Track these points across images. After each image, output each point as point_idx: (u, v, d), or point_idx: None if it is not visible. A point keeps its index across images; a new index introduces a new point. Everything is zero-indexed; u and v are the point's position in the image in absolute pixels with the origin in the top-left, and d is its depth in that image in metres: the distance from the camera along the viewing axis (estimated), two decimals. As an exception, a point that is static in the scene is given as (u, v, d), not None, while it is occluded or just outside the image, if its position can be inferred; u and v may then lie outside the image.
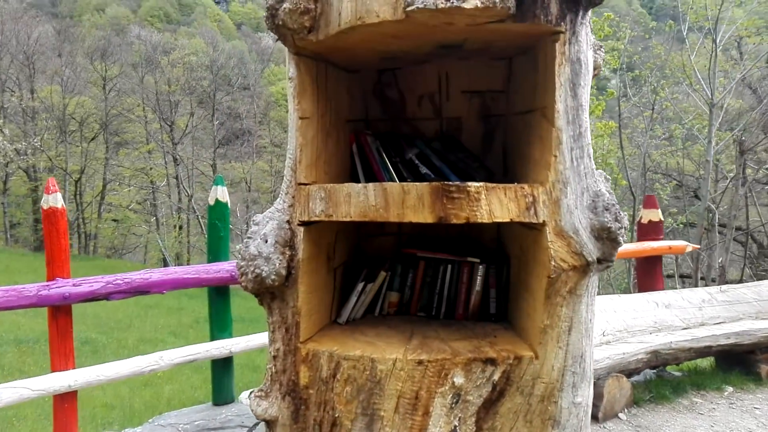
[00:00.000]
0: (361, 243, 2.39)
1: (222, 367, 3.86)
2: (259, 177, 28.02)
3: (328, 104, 1.98)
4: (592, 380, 1.96)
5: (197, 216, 23.96)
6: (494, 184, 1.66)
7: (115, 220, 27.84)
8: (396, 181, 2.05)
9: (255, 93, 30.71)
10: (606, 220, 1.80)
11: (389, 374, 1.74)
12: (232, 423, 3.67)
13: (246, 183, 27.27)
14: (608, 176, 1.95)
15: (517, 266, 2.03)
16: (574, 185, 1.78)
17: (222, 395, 3.89)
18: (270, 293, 1.88)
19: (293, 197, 1.84)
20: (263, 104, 31.05)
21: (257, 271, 1.80)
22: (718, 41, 12.12)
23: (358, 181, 2.13)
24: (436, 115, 2.30)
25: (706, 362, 5.21)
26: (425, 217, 1.63)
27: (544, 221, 1.71)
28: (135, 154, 27.62)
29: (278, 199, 1.90)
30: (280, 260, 1.79)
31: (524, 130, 2.00)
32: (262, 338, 3.95)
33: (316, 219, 1.77)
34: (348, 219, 1.70)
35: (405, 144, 2.16)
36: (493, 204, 1.65)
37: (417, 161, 2.11)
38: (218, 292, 3.79)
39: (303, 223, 1.82)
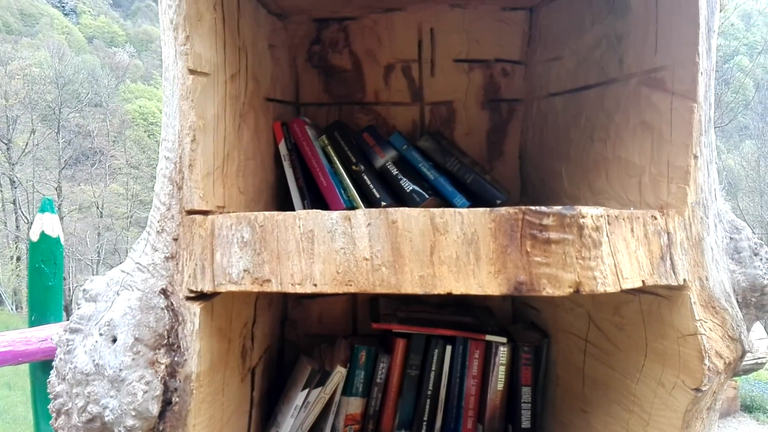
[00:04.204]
0: (288, 311, 1.44)
1: (52, 476, 2.63)
2: (113, 201, 25.42)
3: (242, 57, 1.03)
4: None
5: (38, 246, 20.98)
6: (616, 211, 0.81)
7: (-60, 251, 23.90)
8: (360, 206, 1.15)
9: (108, 110, 27.99)
10: (759, 273, 1.01)
11: None
12: None
13: (97, 207, 24.59)
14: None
15: (578, 352, 1.18)
16: (713, 211, 0.98)
17: None
18: (124, 443, 0.88)
19: (175, 240, 0.87)
20: (118, 122, 28.34)
21: (93, 410, 0.80)
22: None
23: (287, 207, 1.20)
24: (414, 99, 1.42)
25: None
26: (483, 283, 0.74)
27: (684, 281, 0.88)
28: (-35, 176, 24.03)
29: (140, 244, 0.91)
30: (148, 383, 0.81)
31: (589, 119, 1.18)
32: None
33: (232, 289, 0.80)
34: (311, 290, 0.76)
35: (372, 141, 1.25)
36: (620, 252, 0.80)
37: (396, 171, 1.21)
38: (46, 370, 2.57)
39: (197, 296, 0.85)
